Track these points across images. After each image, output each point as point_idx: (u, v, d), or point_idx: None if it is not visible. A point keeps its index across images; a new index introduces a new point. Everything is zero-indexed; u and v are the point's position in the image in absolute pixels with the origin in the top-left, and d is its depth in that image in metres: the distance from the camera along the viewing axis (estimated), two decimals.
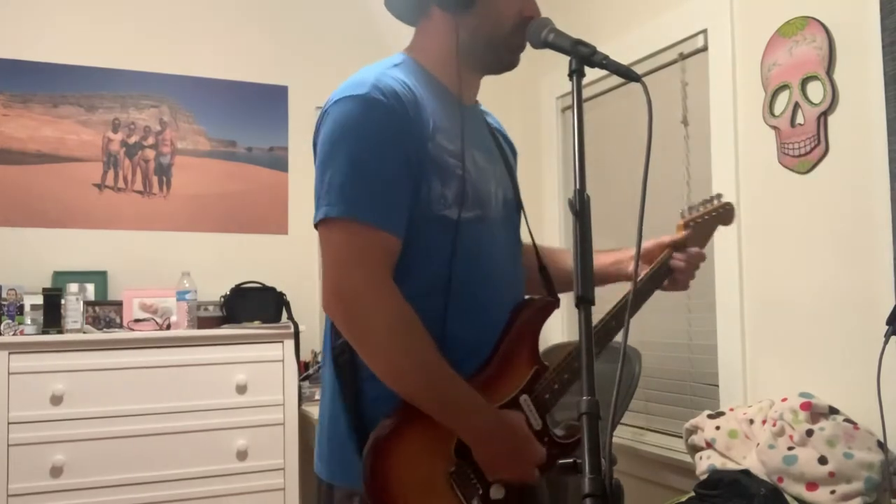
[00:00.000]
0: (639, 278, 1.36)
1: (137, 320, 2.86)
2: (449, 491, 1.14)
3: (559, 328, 3.08)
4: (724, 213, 1.50)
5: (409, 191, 1.14)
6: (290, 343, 2.82)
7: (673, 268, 1.40)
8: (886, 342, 1.63)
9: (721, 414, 2.06)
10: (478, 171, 1.23)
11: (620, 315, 1.30)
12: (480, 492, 1.15)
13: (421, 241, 1.17)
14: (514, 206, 1.36)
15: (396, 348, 1.11)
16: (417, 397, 1.13)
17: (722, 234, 1.84)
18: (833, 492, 1.69)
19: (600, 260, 1.42)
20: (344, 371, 1.18)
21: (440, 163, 1.17)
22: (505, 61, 1.28)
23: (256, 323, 2.90)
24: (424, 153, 1.15)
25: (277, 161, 3.34)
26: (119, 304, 2.89)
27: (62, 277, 2.87)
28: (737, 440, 1.95)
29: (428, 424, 1.13)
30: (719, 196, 1.50)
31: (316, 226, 1.15)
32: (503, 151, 1.39)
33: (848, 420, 1.80)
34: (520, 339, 1.25)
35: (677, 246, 1.42)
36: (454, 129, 1.21)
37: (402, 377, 1.12)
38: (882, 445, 1.72)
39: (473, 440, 1.14)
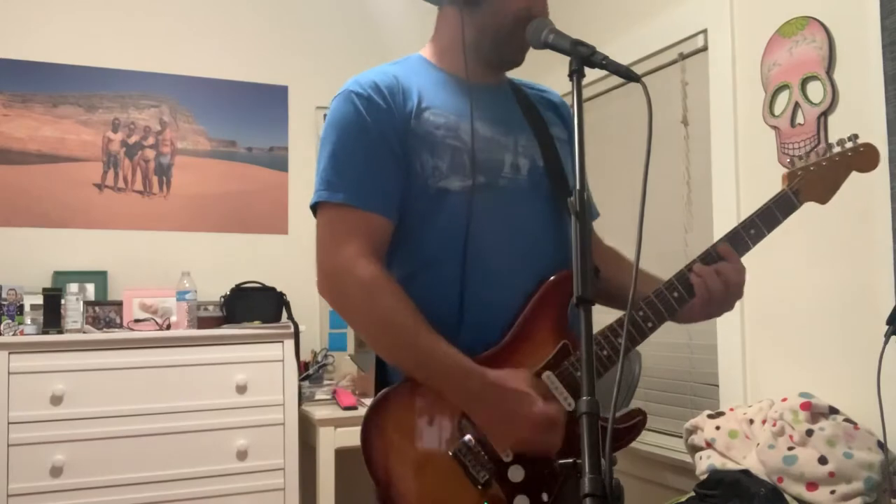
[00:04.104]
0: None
1: (137, 320, 2.86)
2: (454, 469, 1.11)
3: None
4: (859, 156, 1.13)
5: (395, 170, 1.19)
6: (290, 343, 2.82)
7: (693, 285, 1.21)
8: (886, 342, 1.63)
9: (721, 414, 2.06)
10: (482, 140, 1.23)
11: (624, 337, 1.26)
12: (488, 475, 1.11)
13: (426, 215, 1.20)
14: (546, 174, 1.28)
15: (368, 311, 1.14)
16: (398, 362, 1.17)
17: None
18: (833, 492, 1.68)
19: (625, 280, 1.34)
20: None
21: (427, 137, 1.20)
22: (509, 58, 1.29)
23: (256, 323, 2.90)
24: (407, 131, 1.20)
25: (277, 161, 3.34)
26: (119, 304, 2.89)
27: (62, 277, 2.87)
28: (737, 440, 1.95)
29: (428, 397, 1.13)
30: (854, 136, 1.14)
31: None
32: (539, 121, 1.33)
33: (848, 420, 1.79)
34: (543, 312, 1.20)
35: (706, 258, 1.19)
36: (452, 105, 1.24)
37: (378, 341, 1.17)
38: (882, 445, 1.72)
39: (464, 404, 1.12)
